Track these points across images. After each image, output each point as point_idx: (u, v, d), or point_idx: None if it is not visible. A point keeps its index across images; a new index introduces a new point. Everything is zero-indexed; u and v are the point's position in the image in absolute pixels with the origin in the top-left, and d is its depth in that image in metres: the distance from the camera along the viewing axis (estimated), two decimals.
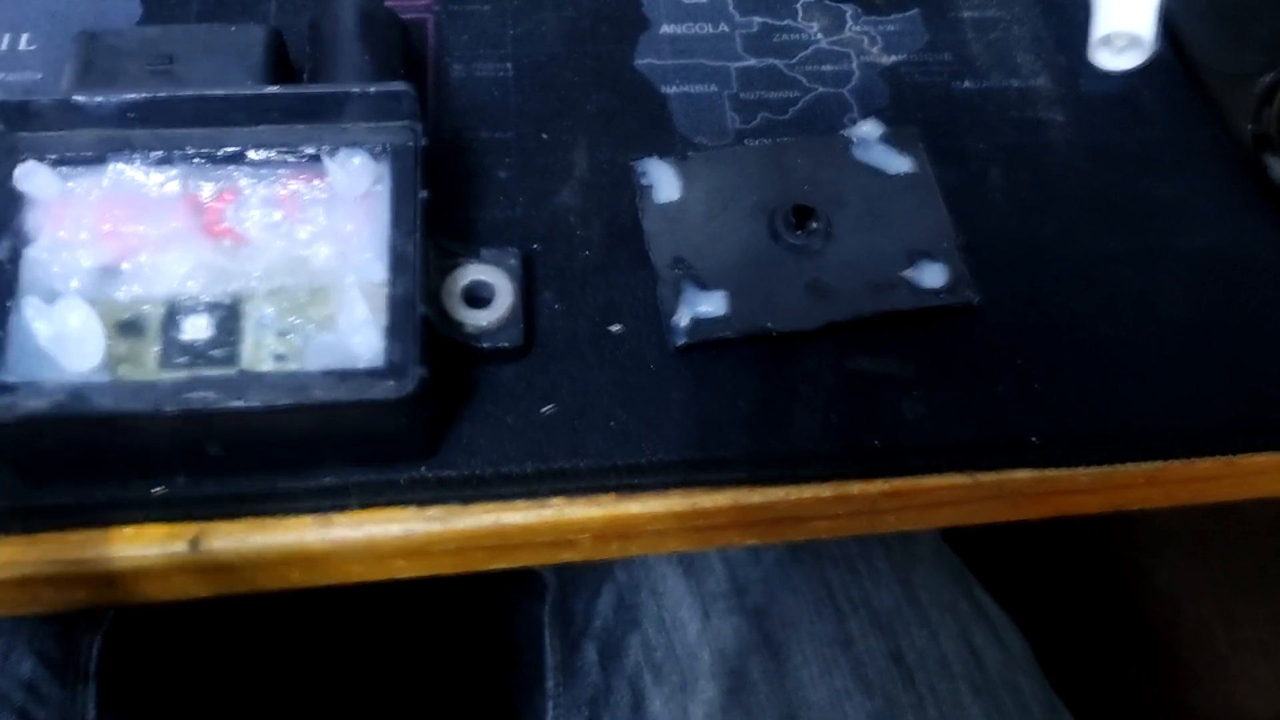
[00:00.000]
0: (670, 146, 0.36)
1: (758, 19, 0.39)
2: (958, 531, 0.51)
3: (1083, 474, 0.32)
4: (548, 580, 0.52)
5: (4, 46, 0.38)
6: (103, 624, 0.48)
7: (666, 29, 0.39)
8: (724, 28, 0.39)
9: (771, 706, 0.42)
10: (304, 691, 0.83)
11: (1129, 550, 0.97)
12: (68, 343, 0.28)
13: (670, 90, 0.38)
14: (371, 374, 0.28)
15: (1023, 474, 0.32)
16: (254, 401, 0.28)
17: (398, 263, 0.30)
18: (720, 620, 0.44)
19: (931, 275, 0.33)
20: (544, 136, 0.36)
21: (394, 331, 0.29)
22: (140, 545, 0.30)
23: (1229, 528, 0.97)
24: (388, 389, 0.28)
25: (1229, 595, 0.96)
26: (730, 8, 0.39)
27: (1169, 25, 0.39)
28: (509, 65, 0.38)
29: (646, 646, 0.45)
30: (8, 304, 0.29)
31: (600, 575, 0.48)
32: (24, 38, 0.38)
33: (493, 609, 0.61)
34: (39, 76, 0.37)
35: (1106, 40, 0.38)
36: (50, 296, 0.29)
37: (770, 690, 0.42)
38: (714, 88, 0.38)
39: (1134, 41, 0.38)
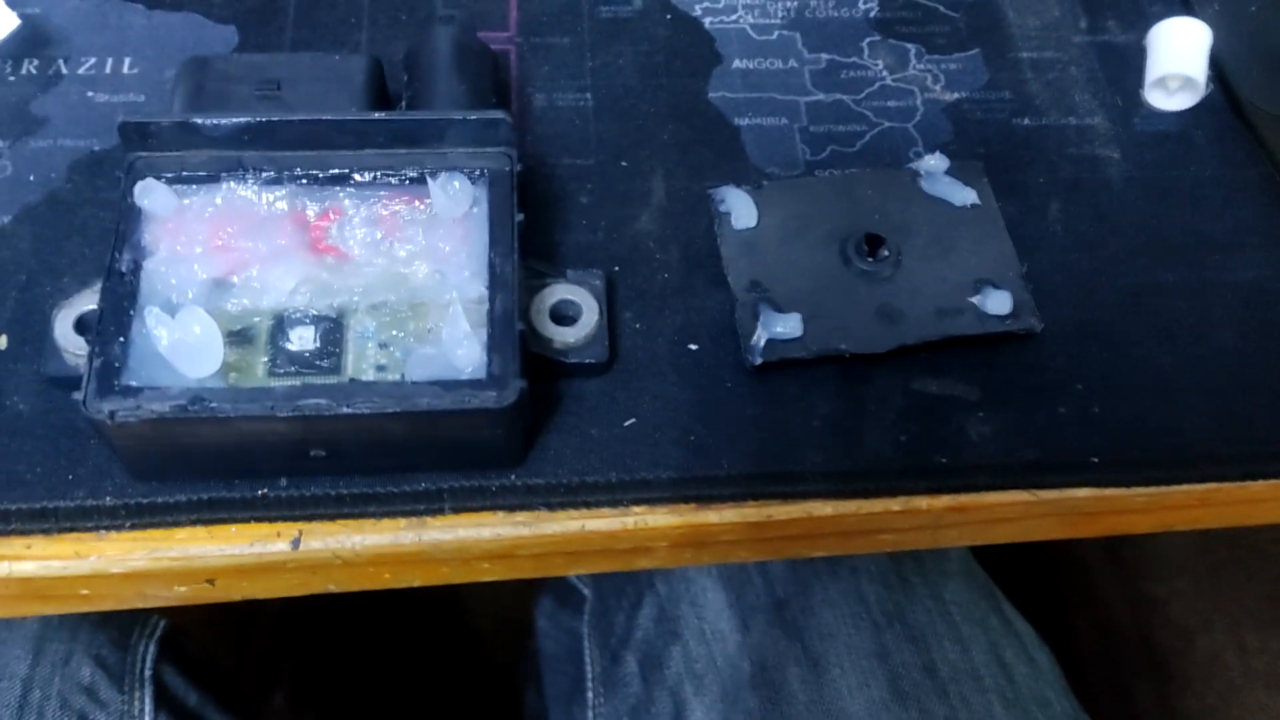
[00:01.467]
0: (743, 176, 0.38)
1: (825, 56, 0.41)
2: (976, 552, 0.52)
3: (1139, 494, 0.34)
4: (585, 593, 0.53)
5: (108, 70, 0.40)
6: (156, 629, 0.50)
7: (738, 64, 0.41)
8: (793, 64, 0.41)
9: (810, 716, 0.43)
10: (347, 698, 0.84)
11: (1142, 580, 0.98)
12: (188, 350, 0.30)
13: (742, 122, 0.39)
14: (474, 385, 0.30)
15: (1082, 493, 0.33)
16: (363, 408, 0.29)
17: (496, 281, 0.32)
18: (760, 632, 0.45)
19: (996, 303, 0.34)
20: (623, 164, 0.38)
21: (494, 345, 0.30)
22: (243, 543, 0.32)
23: (1241, 558, 0.98)
24: (490, 399, 0.30)
25: (1242, 626, 0.96)
26: (799, 45, 0.41)
27: (1219, 68, 0.41)
28: (588, 95, 0.40)
29: (688, 657, 0.46)
30: (130, 312, 0.31)
31: (640, 587, 0.50)
32: (126, 61, 0.40)
33: (517, 619, 0.62)
34: (142, 99, 0.39)
35: (1161, 82, 0.40)
36: (168, 306, 0.31)
37: (809, 700, 0.43)
38: (784, 120, 0.39)
39: (1187, 83, 0.40)
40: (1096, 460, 0.33)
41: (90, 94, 0.39)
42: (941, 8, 0.42)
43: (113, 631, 0.48)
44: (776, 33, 0.41)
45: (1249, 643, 0.96)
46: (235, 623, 0.84)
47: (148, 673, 0.48)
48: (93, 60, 0.40)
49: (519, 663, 0.67)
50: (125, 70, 0.40)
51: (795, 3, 0.42)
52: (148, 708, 0.47)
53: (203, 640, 0.55)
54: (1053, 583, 0.98)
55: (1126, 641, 0.96)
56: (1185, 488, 0.34)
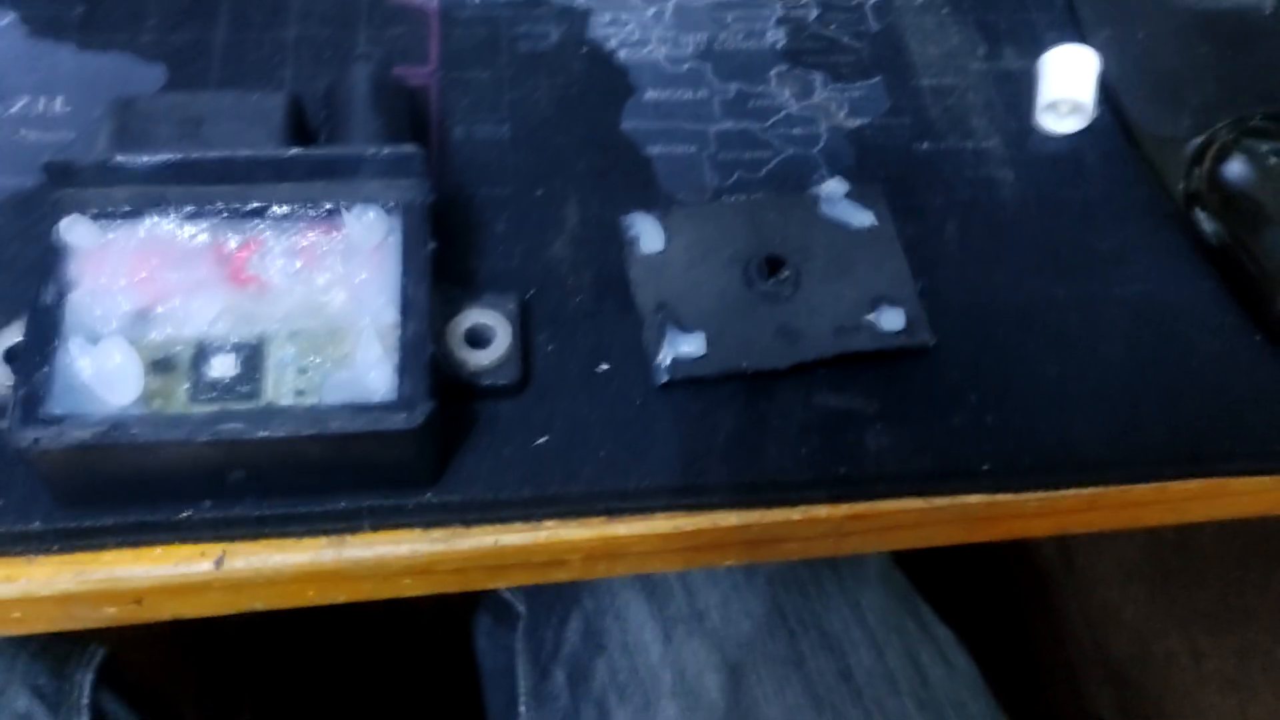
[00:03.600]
0: (654, 203, 0.39)
1: (734, 85, 0.43)
2: (927, 563, 0.54)
3: (1030, 499, 0.35)
4: (519, 610, 0.54)
5: (40, 109, 0.41)
6: (94, 658, 0.50)
7: (650, 94, 0.42)
8: (704, 93, 0.43)
9: None
10: (299, 717, 0.85)
11: (1097, 587, 1.00)
12: (109, 378, 0.31)
13: (654, 151, 0.41)
14: (385, 407, 0.31)
15: (975, 498, 0.35)
16: (279, 432, 0.31)
17: (408, 307, 0.33)
18: (680, 643, 0.47)
19: (891, 319, 0.36)
20: (538, 193, 0.40)
21: (405, 369, 0.32)
22: (168, 564, 0.33)
23: (1192, 564, 1.00)
24: (400, 420, 0.31)
25: (1195, 629, 0.98)
26: (710, 74, 0.43)
27: (1109, 92, 0.43)
28: (506, 128, 0.41)
29: (612, 669, 0.48)
30: (54, 343, 0.32)
31: (568, 603, 0.51)
32: (58, 100, 0.41)
33: (462, 639, 0.63)
34: (72, 136, 0.40)
35: (1051, 106, 0.42)
36: (92, 337, 0.32)
37: (728, 708, 0.45)
38: (694, 149, 0.41)
39: (1076, 107, 0.42)
40: (988, 468, 0.35)
41: (22, 132, 0.40)
42: (845, 38, 0.44)
43: (50, 661, 0.48)
44: (687, 64, 0.43)
45: (1202, 645, 0.98)
46: (191, 648, 0.85)
47: (85, 700, 0.48)
48: (24, 99, 0.41)
49: (470, 682, 0.68)
50: (57, 109, 0.41)
51: (706, 34, 0.44)
52: None
53: (157, 667, 0.56)
54: (1008, 591, 1.00)
55: (1082, 648, 0.98)
56: (1074, 491, 0.36)
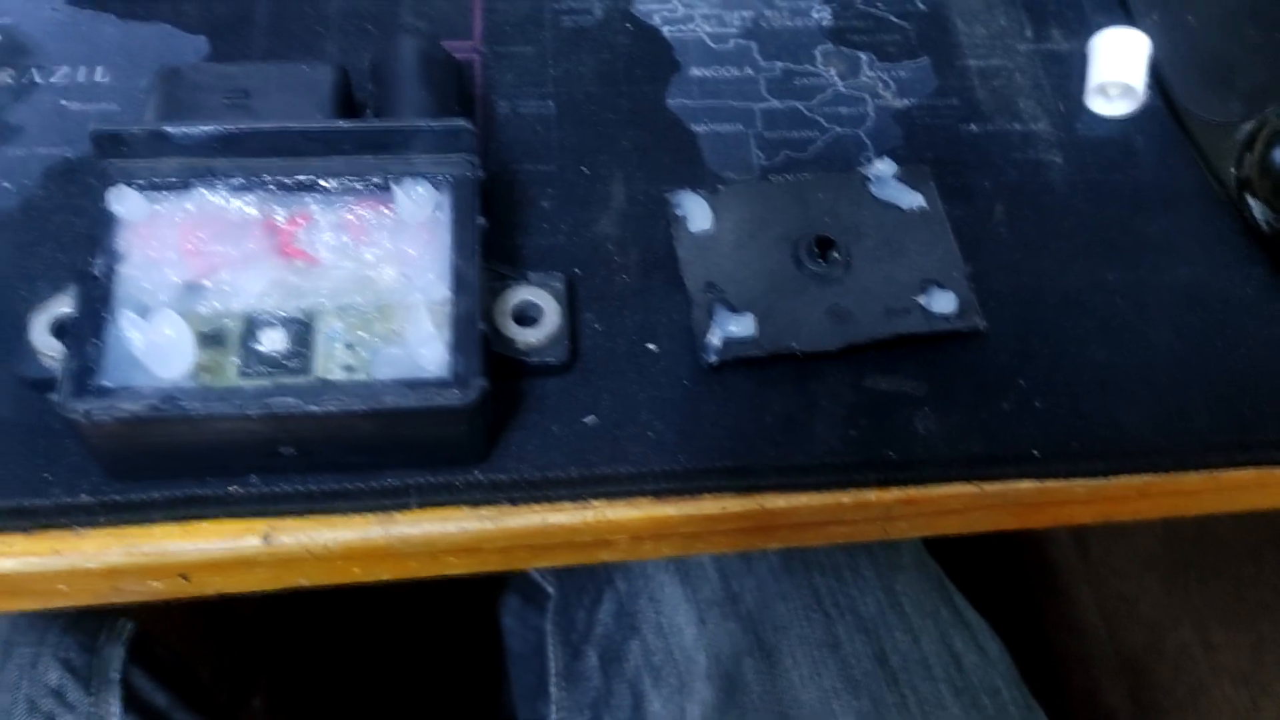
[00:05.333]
0: (700, 181, 0.39)
1: (780, 64, 0.42)
2: (946, 552, 0.54)
3: (1079, 486, 0.35)
4: (549, 590, 0.54)
5: (81, 79, 0.40)
6: (124, 632, 0.50)
7: (696, 72, 0.42)
8: (749, 71, 0.42)
9: (764, 706, 0.45)
10: (326, 701, 0.85)
11: (1111, 578, 1.00)
12: (161, 351, 0.31)
13: (700, 128, 0.41)
14: (438, 384, 0.31)
15: (1025, 485, 0.35)
16: (332, 407, 0.30)
17: (459, 283, 0.33)
18: (715, 625, 0.47)
19: (942, 302, 0.36)
20: (584, 170, 0.39)
21: (457, 346, 0.32)
22: (216, 539, 0.33)
23: (1207, 555, 0.99)
24: (453, 397, 0.31)
25: (1209, 622, 0.98)
26: (755, 53, 0.43)
27: (1159, 76, 0.42)
28: (550, 103, 0.41)
29: (646, 651, 0.48)
30: (104, 316, 0.32)
31: (600, 584, 0.51)
32: (99, 70, 0.41)
33: (477, 618, 0.64)
34: (115, 107, 0.40)
35: (1101, 89, 0.42)
36: (141, 310, 0.32)
37: (763, 691, 0.45)
38: (740, 127, 0.41)
39: (1126, 90, 0.41)
40: (1038, 453, 0.35)
41: (64, 102, 0.40)
42: (892, 17, 0.44)
43: (80, 635, 0.48)
44: (733, 41, 0.43)
45: (1215, 638, 0.97)
46: (209, 627, 0.85)
47: (115, 675, 0.48)
48: (66, 69, 0.41)
49: (494, 662, 0.68)
50: (98, 79, 0.41)
51: (751, 12, 0.44)
52: (116, 709, 0.47)
53: (176, 644, 0.56)
54: (1023, 581, 1.00)
55: (1096, 639, 0.98)
56: (1123, 479, 0.35)
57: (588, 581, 0.51)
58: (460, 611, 0.84)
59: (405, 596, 0.86)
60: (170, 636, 0.55)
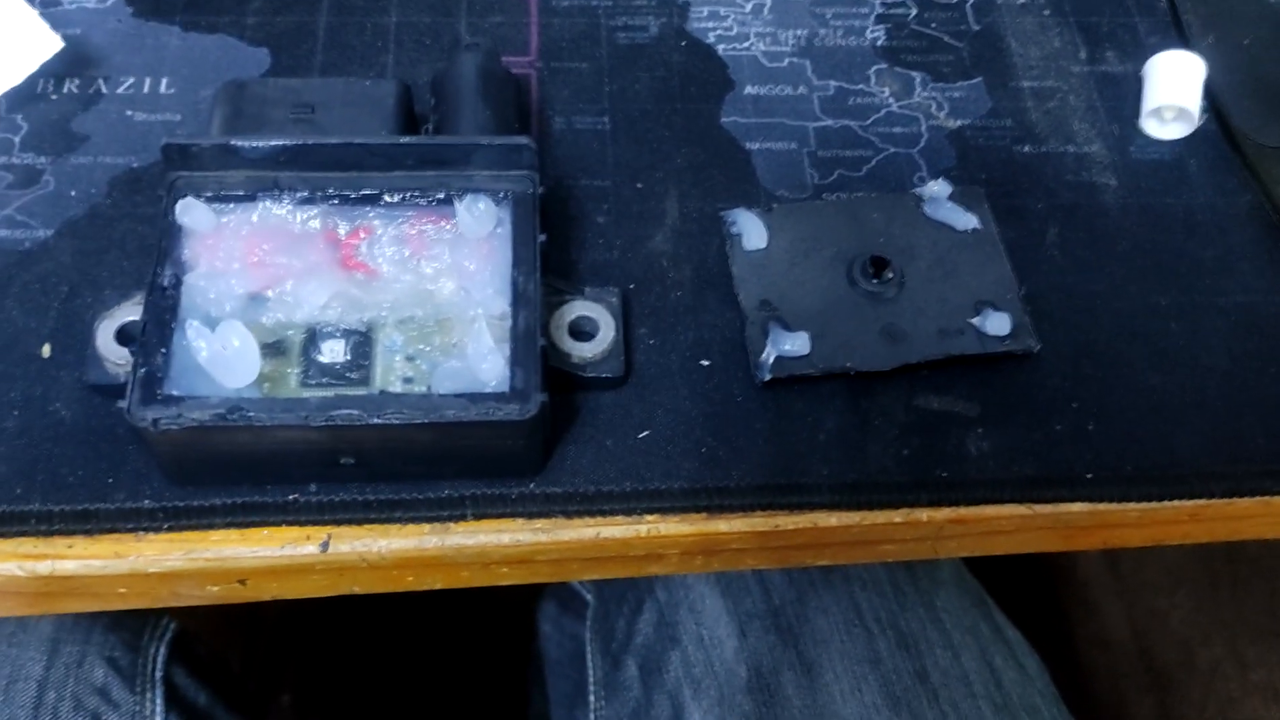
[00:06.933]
0: (753, 199, 0.39)
1: (834, 83, 0.43)
2: (977, 565, 0.54)
3: (1131, 509, 0.35)
4: (587, 598, 0.54)
5: (145, 89, 0.41)
6: (167, 631, 0.51)
7: (750, 90, 0.42)
8: (803, 90, 0.42)
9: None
10: (353, 699, 0.85)
11: (1143, 593, 0.99)
12: (227, 361, 0.31)
13: (753, 146, 0.41)
14: (498, 397, 0.31)
15: (1076, 507, 0.35)
16: (393, 419, 0.31)
17: (519, 298, 0.33)
18: (756, 638, 0.47)
19: (996, 324, 0.36)
20: (638, 186, 0.40)
21: (517, 360, 0.32)
22: (274, 545, 0.33)
23: (1239, 572, 0.99)
24: (513, 411, 0.31)
25: (1240, 639, 0.97)
26: (809, 72, 0.43)
27: (1213, 99, 0.42)
28: (606, 119, 0.41)
29: (686, 662, 0.48)
30: (172, 325, 0.32)
31: (641, 594, 0.51)
32: (163, 81, 0.42)
33: (521, 625, 0.64)
34: (178, 118, 0.41)
35: (1156, 112, 0.42)
36: (207, 320, 0.32)
37: (803, 705, 0.45)
38: (794, 145, 0.41)
39: (1181, 114, 0.41)
40: (1091, 476, 0.35)
41: (129, 112, 0.40)
42: (946, 37, 0.44)
43: (124, 634, 0.49)
44: (787, 60, 0.43)
45: (1247, 655, 0.97)
46: (240, 625, 0.86)
47: (159, 674, 0.49)
48: (131, 80, 0.41)
49: (522, 667, 0.68)
50: (162, 90, 0.41)
51: (805, 31, 0.44)
52: (159, 708, 0.48)
53: (210, 642, 0.57)
54: (1054, 595, 1.00)
55: (1126, 654, 0.97)
56: (1175, 503, 0.35)
57: (627, 590, 0.52)
58: (493, 615, 0.85)
59: (437, 598, 0.86)
60: (204, 634, 0.56)
